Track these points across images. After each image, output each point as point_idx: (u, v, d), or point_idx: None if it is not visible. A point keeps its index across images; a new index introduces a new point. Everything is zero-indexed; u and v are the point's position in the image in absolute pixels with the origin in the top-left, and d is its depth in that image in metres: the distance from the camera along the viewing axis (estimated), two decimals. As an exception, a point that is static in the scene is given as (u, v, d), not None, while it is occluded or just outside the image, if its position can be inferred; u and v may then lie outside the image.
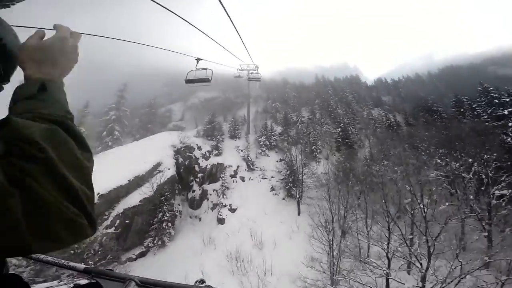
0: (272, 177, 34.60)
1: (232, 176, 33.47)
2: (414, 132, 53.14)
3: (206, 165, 33.60)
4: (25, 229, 0.44)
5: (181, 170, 32.21)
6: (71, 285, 1.04)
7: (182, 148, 33.15)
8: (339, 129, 44.25)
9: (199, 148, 35.34)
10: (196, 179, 32.97)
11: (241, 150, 38.71)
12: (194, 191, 32.82)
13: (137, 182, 27.66)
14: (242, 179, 33.60)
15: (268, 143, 40.09)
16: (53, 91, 0.67)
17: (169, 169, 29.92)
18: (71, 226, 0.50)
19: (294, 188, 31.32)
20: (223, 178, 32.34)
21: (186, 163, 32.83)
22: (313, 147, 40.08)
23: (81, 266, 1.15)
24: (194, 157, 33.52)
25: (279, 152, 39.88)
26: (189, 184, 33.01)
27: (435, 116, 61.45)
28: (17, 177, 0.46)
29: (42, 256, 1.29)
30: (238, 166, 35.17)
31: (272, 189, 32.93)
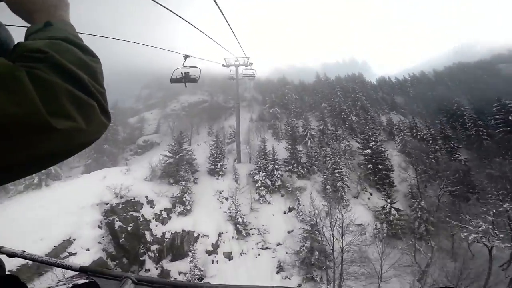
0: (278, 244, 20.24)
1: (210, 252, 18.91)
2: (457, 148, 39.69)
3: (164, 233, 18.84)
4: (39, 101, 0.43)
5: (121, 240, 17.62)
6: (68, 285, 0.95)
7: (120, 206, 18.44)
8: (369, 150, 29.97)
9: (151, 204, 20.68)
10: (149, 252, 18.40)
11: (225, 199, 23.67)
12: (148, 270, 18.35)
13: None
14: (228, 256, 19.00)
15: (269, 182, 25.35)
16: (59, 26, 0.63)
17: (88, 250, 15.33)
18: (81, 105, 0.49)
19: (318, 269, 17.14)
20: (193, 253, 17.67)
21: (129, 228, 18.18)
22: (338, 183, 25.69)
23: (77, 265, 1.09)
24: (141, 219, 18.88)
25: (288, 195, 25.59)
26: (138, 257, 18.49)
27: (470, 124, 48.09)
28: (24, 67, 0.46)
29: (37, 256, 1.22)
30: (220, 234, 20.48)
31: (280, 268, 18.61)
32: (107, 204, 18.08)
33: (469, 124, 48.62)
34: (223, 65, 25.50)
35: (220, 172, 26.26)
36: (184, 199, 20.90)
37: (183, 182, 22.29)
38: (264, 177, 24.72)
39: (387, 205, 25.66)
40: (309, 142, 34.01)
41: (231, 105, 58.08)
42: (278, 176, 25.60)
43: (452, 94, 73.83)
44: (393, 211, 25.75)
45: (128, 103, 65.38)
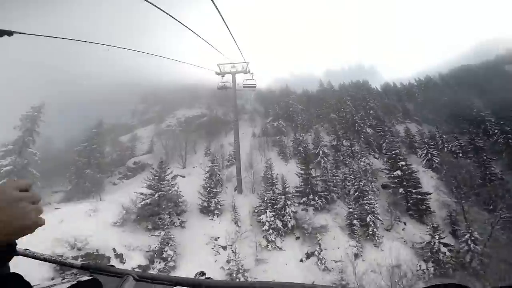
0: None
1: None
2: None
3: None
4: None
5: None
6: (71, 282, 0.97)
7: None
8: (398, 171, 24.56)
9: (120, 259, 15.39)
10: None
11: (223, 249, 18.09)
12: None
13: None
14: None
15: (280, 224, 19.53)
16: None
17: None
18: None
19: None
20: None
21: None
22: (368, 217, 20.12)
23: (79, 263, 1.10)
24: None
25: (305, 238, 19.83)
26: None
27: (495, 131, 42.76)
28: None
29: (39, 254, 1.25)
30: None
31: None
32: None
33: (494, 130, 43.34)
34: (217, 73, 20.70)
35: (216, 211, 20.61)
36: (164, 254, 15.47)
37: (164, 230, 16.81)
38: (272, 218, 19.20)
39: (433, 241, 19.99)
40: (322, 161, 28.70)
41: (231, 119, 53.26)
42: (291, 214, 20.04)
43: (464, 98, 68.89)
44: (442, 248, 20.07)
45: (125, 119, 60.69)
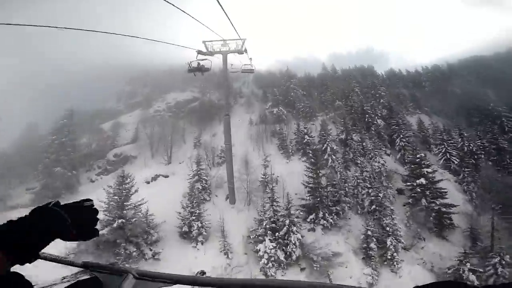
0: None
1: None
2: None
3: None
4: None
5: None
6: (72, 281, 0.98)
7: None
8: (422, 179, 20.40)
9: None
10: None
11: None
12: None
13: None
14: None
15: (282, 255, 15.37)
16: None
17: None
18: None
19: None
20: None
21: None
22: (388, 240, 16.19)
23: (79, 261, 1.09)
24: None
25: (312, 270, 15.88)
26: None
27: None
28: None
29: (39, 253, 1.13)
30: None
31: None
32: None
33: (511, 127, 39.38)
34: (200, 52, 15.01)
35: (200, 238, 16.22)
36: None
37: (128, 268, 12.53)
38: (273, 248, 15.07)
39: (462, 269, 16.34)
40: (330, 160, 24.39)
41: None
42: (296, 243, 15.74)
43: (477, 91, 64.24)
44: (471, 276, 16.51)
45: (110, 104, 54.41)
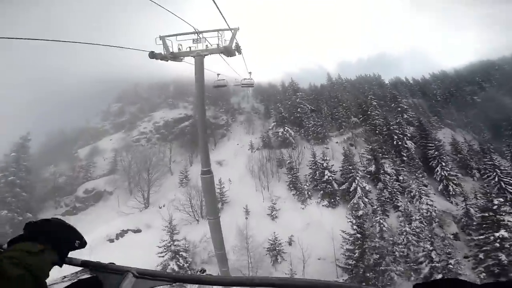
0: None
1: None
2: None
3: None
4: None
5: None
6: (72, 280, 0.97)
7: None
8: (503, 230, 13.62)
9: None
10: None
11: None
12: None
13: None
14: None
15: None
16: None
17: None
18: None
19: None
20: None
21: None
22: None
23: (79, 260, 1.07)
24: None
25: None
26: None
27: None
28: None
29: None
30: None
31: None
32: None
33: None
34: (152, 56, 8.35)
35: None
36: None
37: None
38: None
39: None
40: (361, 204, 17.68)
41: (223, 123, 41.55)
42: None
43: (495, 97, 58.23)
44: None
45: (96, 121, 48.25)
